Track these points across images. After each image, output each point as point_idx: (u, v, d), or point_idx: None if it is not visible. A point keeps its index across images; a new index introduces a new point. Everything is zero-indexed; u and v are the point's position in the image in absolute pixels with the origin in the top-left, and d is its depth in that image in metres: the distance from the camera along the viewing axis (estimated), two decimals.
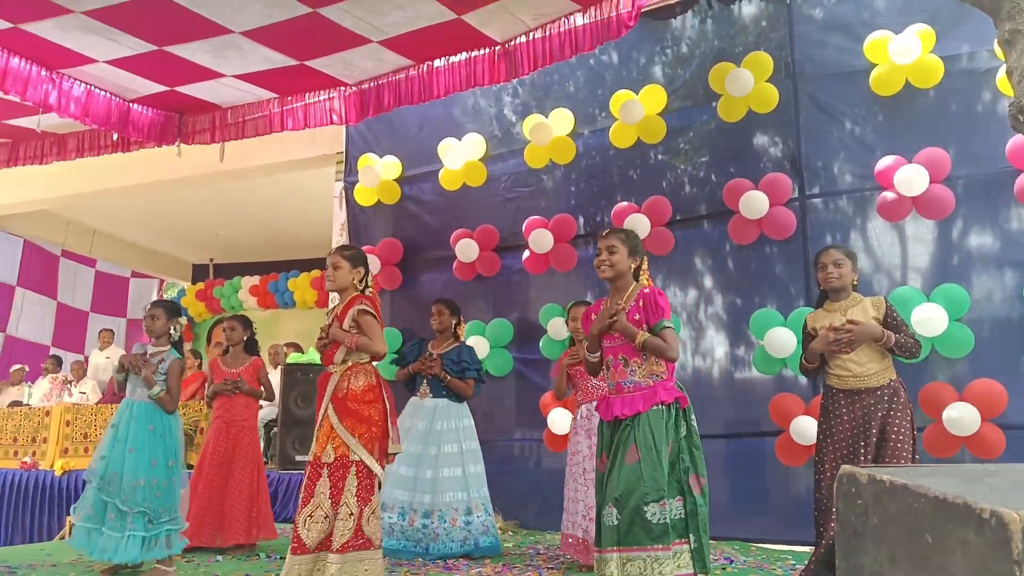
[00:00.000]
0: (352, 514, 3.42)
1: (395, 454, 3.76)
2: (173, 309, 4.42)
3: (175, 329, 4.34)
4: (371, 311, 3.67)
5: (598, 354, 3.16)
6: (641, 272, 3.22)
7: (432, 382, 4.84)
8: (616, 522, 2.77)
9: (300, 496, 3.55)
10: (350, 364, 3.63)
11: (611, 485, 2.85)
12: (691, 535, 2.82)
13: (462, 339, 5.03)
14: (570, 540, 4.27)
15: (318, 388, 3.77)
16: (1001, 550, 1.00)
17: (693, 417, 3.02)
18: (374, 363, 3.72)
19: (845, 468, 1.30)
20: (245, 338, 5.15)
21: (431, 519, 4.61)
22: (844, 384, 3.45)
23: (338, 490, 3.45)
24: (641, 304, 3.05)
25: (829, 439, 3.46)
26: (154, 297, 13.02)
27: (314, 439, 3.62)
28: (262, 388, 5.14)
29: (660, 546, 2.74)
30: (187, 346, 11.23)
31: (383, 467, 3.60)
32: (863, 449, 3.33)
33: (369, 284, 3.86)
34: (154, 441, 4.11)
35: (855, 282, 3.59)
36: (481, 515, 4.70)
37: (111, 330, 10.42)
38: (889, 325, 3.42)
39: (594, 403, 4.26)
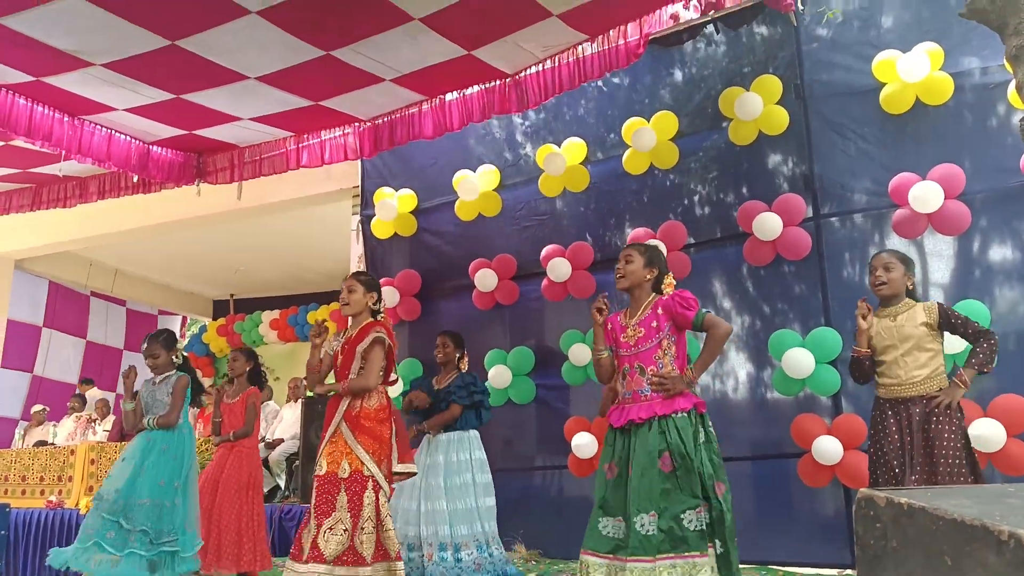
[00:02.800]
0: (375, 528, 3.60)
1: (410, 474, 3.92)
2: (169, 340, 4.53)
3: (176, 356, 4.46)
4: (383, 340, 3.80)
5: (605, 352, 3.23)
6: (665, 285, 3.21)
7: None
8: (654, 530, 2.75)
9: (312, 511, 3.65)
10: None
11: (646, 493, 2.81)
12: (716, 540, 2.81)
13: (463, 370, 4.98)
14: None
15: (327, 408, 3.88)
16: (1021, 571, 0.99)
17: (710, 423, 3.02)
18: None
19: (863, 492, 1.29)
20: (248, 369, 5.17)
21: (452, 551, 4.55)
22: (890, 393, 3.32)
23: (357, 505, 3.59)
24: (660, 311, 3.06)
25: (879, 456, 3.33)
26: (177, 334, 13.17)
27: (321, 455, 3.73)
28: (231, 434, 5.03)
29: (698, 553, 2.75)
30: (208, 381, 11.33)
31: (391, 485, 3.78)
32: (909, 463, 3.20)
33: (381, 310, 4.01)
34: (165, 462, 4.17)
35: (910, 287, 3.45)
36: (498, 549, 4.69)
37: (106, 400, 10.33)
38: (952, 327, 3.29)
39: None
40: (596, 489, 3.07)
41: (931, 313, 3.34)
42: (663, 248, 4.70)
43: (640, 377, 3.02)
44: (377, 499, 3.65)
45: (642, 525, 2.77)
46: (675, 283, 3.29)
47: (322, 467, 3.68)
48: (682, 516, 2.77)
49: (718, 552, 2.81)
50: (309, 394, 7.48)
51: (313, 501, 3.64)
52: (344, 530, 3.54)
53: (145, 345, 4.43)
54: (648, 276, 3.17)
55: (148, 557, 3.97)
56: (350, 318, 4.04)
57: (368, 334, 3.80)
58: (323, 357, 3.92)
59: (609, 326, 3.22)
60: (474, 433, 4.84)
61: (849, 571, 4.49)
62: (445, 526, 4.55)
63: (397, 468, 3.80)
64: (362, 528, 3.59)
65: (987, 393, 4.46)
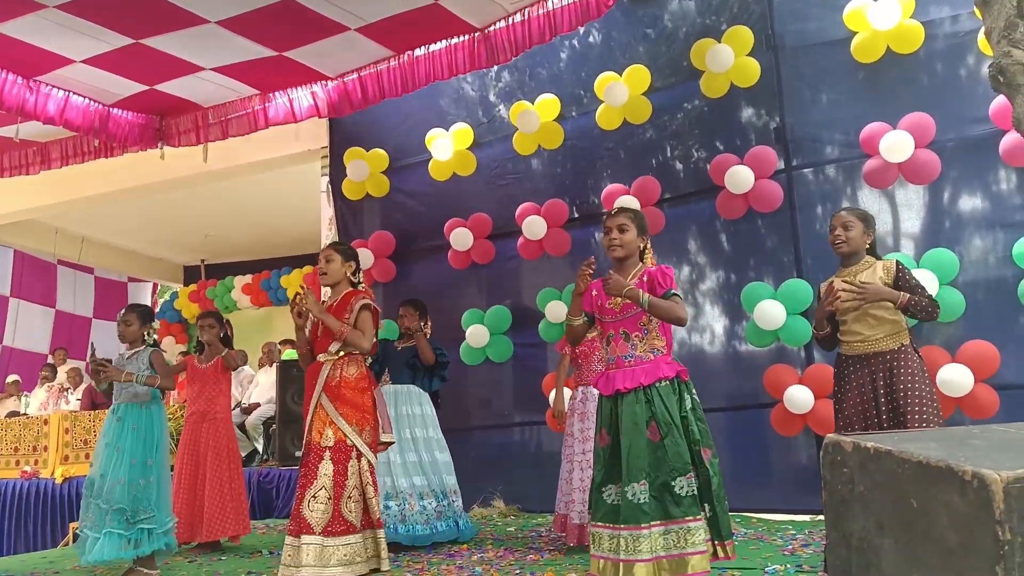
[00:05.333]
0: (361, 496, 3.64)
1: (388, 443, 3.90)
2: (146, 314, 4.46)
3: (148, 334, 4.39)
4: (371, 306, 3.79)
5: (579, 320, 3.22)
6: (648, 252, 3.21)
7: (393, 368, 4.86)
8: (646, 499, 2.78)
9: (299, 481, 3.66)
10: (343, 355, 3.76)
11: (635, 462, 2.83)
12: (706, 505, 2.85)
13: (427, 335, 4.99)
14: (562, 520, 4.32)
15: (306, 379, 3.88)
16: (984, 510, 1.00)
17: (694, 390, 3.03)
18: None
19: (830, 437, 1.30)
20: (222, 335, 5.11)
21: (427, 500, 4.63)
22: (853, 350, 3.33)
23: (342, 474, 3.61)
24: (646, 279, 3.05)
25: (840, 410, 3.36)
26: (148, 301, 13.00)
27: (309, 429, 3.72)
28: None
29: (691, 517, 2.78)
30: (181, 348, 11.24)
31: (375, 454, 3.78)
32: (876, 418, 3.22)
33: (361, 280, 3.99)
34: (136, 441, 4.13)
35: (869, 245, 3.44)
36: (457, 499, 4.77)
37: (77, 369, 10.14)
38: (901, 287, 3.27)
39: (590, 387, 4.28)
40: (594, 460, 3.10)
41: (888, 272, 3.34)
42: None
43: (625, 343, 3.02)
44: (360, 468, 3.66)
45: (633, 494, 2.80)
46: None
47: (313, 440, 3.68)
48: (672, 483, 2.79)
49: (707, 516, 2.85)
50: (284, 358, 7.44)
51: (300, 472, 3.66)
52: (328, 498, 3.56)
53: (123, 312, 4.38)
54: (640, 245, 3.16)
55: (127, 536, 3.97)
56: (328, 288, 4.01)
57: (350, 303, 3.77)
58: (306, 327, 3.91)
59: (594, 292, 3.19)
60: (420, 389, 4.87)
61: (821, 517, 4.57)
62: (416, 477, 4.63)
63: (383, 438, 3.81)
64: (348, 496, 3.60)
65: (955, 340, 4.53)
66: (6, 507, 6.94)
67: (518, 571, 3.84)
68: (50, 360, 10.58)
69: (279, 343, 8.74)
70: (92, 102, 5.91)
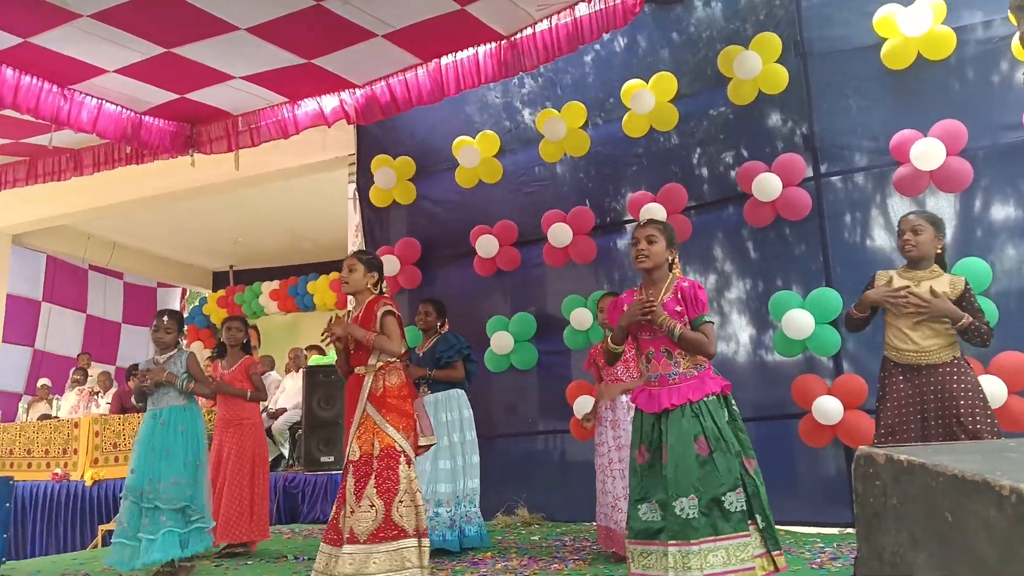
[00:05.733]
0: (402, 502, 3.57)
1: (428, 445, 3.89)
2: (183, 320, 4.52)
3: (182, 341, 4.48)
4: (394, 312, 3.80)
5: (622, 347, 3.17)
6: (675, 265, 3.18)
7: (426, 380, 4.88)
8: (696, 514, 2.74)
9: (344, 492, 3.63)
10: (381, 364, 3.76)
11: (684, 477, 2.79)
12: (757, 516, 2.82)
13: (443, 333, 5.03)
14: (604, 531, 4.27)
15: (346, 392, 3.86)
16: (1023, 525, 0.97)
17: (733, 402, 3.00)
18: None
19: (862, 449, 1.27)
20: (245, 340, 5.16)
21: (446, 507, 4.67)
22: (903, 358, 3.24)
23: (389, 480, 3.56)
24: (680, 296, 3.00)
25: (882, 417, 3.27)
26: (176, 306, 13.16)
27: (352, 440, 3.70)
28: (245, 389, 5.04)
29: (741, 533, 2.75)
30: (208, 352, 11.36)
31: (416, 457, 3.77)
32: (917, 431, 3.13)
33: (384, 289, 4.00)
34: (186, 441, 4.19)
35: (940, 251, 3.36)
36: (469, 506, 4.76)
37: (108, 373, 10.26)
38: (964, 308, 3.19)
39: (621, 395, 4.27)
40: (630, 476, 3.05)
41: (955, 288, 3.25)
42: None
43: (668, 361, 2.97)
44: (409, 473, 3.64)
45: (682, 509, 2.76)
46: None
47: (355, 452, 3.65)
48: (723, 498, 2.76)
49: (760, 527, 2.81)
50: (310, 364, 7.49)
51: (350, 486, 3.60)
52: (370, 505, 3.52)
53: (164, 319, 4.36)
54: (669, 257, 3.11)
55: (181, 535, 4.03)
56: (351, 297, 4.03)
57: (374, 310, 3.78)
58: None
59: (624, 307, 3.13)
60: (461, 392, 4.91)
61: (850, 530, 4.52)
62: (437, 484, 4.68)
63: (421, 441, 3.80)
64: (400, 501, 3.56)
65: (988, 350, 4.44)
66: (37, 509, 7.04)
67: None
68: (80, 364, 10.74)
69: (305, 349, 8.80)
70: (124, 110, 6.00)
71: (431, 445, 3.93)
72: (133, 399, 4.60)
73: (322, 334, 3.84)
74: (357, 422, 3.70)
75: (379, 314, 3.76)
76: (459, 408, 4.87)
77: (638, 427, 3.04)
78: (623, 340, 3.12)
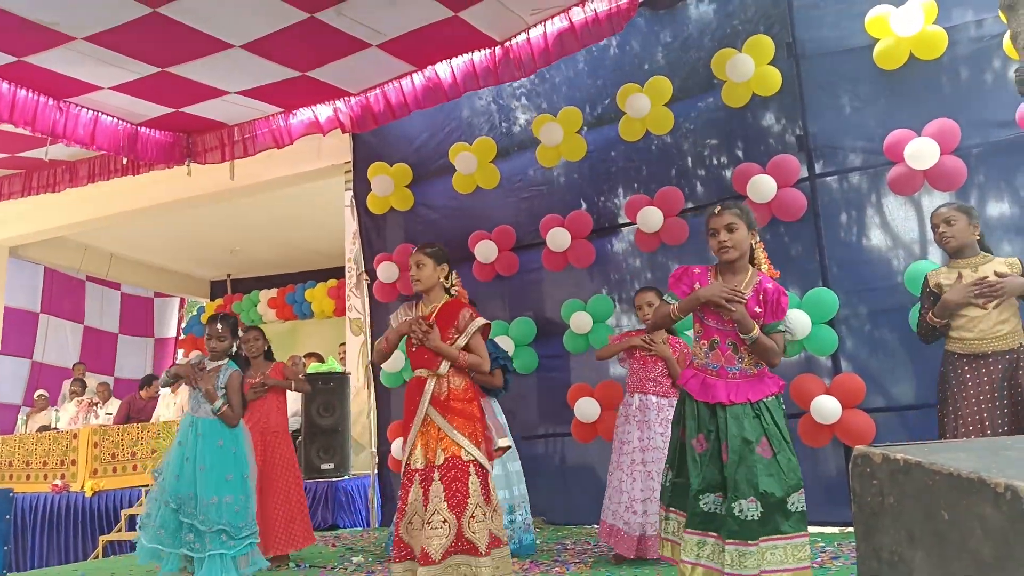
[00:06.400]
0: (486, 515, 3.35)
1: (505, 448, 3.69)
2: (236, 327, 4.32)
3: (235, 347, 4.32)
4: (486, 327, 3.61)
5: (683, 318, 3.02)
6: (757, 248, 3.02)
7: None
8: (759, 515, 2.71)
9: (405, 504, 3.45)
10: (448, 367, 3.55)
11: (745, 479, 2.74)
12: None
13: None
14: (610, 529, 4.23)
15: (407, 396, 3.64)
16: (1020, 523, 0.98)
17: (782, 402, 2.98)
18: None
19: (858, 448, 1.28)
20: (267, 348, 5.16)
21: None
22: (968, 348, 3.21)
23: (459, 492, 3.32)
24: (762, 298, 2.90)
25: (954, 414, 3.21)
26: (175, 316, 13.15)
27: (413, 445, 3.48)
28: (289, 380, 5.05)
29: (800, 533, 2.73)
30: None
31: (492, 462, 3.54)
32: (999, 420, 3.08)
33: (455, 283, 3.76)
34: (225, 456, 4.04)
35: (978, 236, 3.35)
36: (523, 513, 4.72)
37: (106, 384, 10.15)
38: None
39: (652, 396, 4.25)
40: (689, 465, 2.89)
41: (1014, 268, 3.26)
42: None
43: (733, 355, 2.89)
44: (482, 483, 3.40)
45: (741, 511, 2.72)
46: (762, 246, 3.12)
47: (418, 460, 3.44)
48: (787, 500, 2.73)
49: None
50: (309, 371, 7.49)
51: (417, 496, 3.40)
52: (443, 521, 3.28)
53: (218, 325, 4.21)
54: (752, 242, 2.96)
55: (232, 555, 3.89)
56: (423, 294, 3.73)
57: (459, 317, 3.56)
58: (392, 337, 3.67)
59: (696, 284, 2.97)
60: (493, 400, 4.81)
61: (850, 529, 4.52)
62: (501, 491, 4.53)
63: (500, 443, 3.59)
64: (472, 516, 3.31)
65: None
66: (37, 520, 7.03)
67: None
68: (76, 375, 10.74)
69: (304, 356, 8.80)
70: (120, 122, 6.02)
71: (508, 447, 3.75)
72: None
73: (413, 326, 3.54)
74: (417, 427, 3.47)
75: (471, 330, 3.53)
76: (492, 415, 4.78)
77: (694, 414, 2.92)
78: (689, 311, 2.96)
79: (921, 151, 4.58)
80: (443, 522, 3.26)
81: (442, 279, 3.65)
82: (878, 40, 4.87)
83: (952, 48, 4.77)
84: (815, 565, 3.81)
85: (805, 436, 4.84)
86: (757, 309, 2.88)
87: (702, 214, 5.57)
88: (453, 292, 3.72)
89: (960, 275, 3.27)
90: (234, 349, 4.30)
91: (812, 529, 4.69)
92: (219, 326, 4.22)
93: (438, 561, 3.21)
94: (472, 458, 3.38)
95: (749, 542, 2.69)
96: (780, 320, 2.88)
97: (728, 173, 5.38)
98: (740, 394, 2.84)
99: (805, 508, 2.76)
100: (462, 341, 3.53)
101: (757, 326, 2.83)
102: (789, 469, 2.76)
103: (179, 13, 4.52)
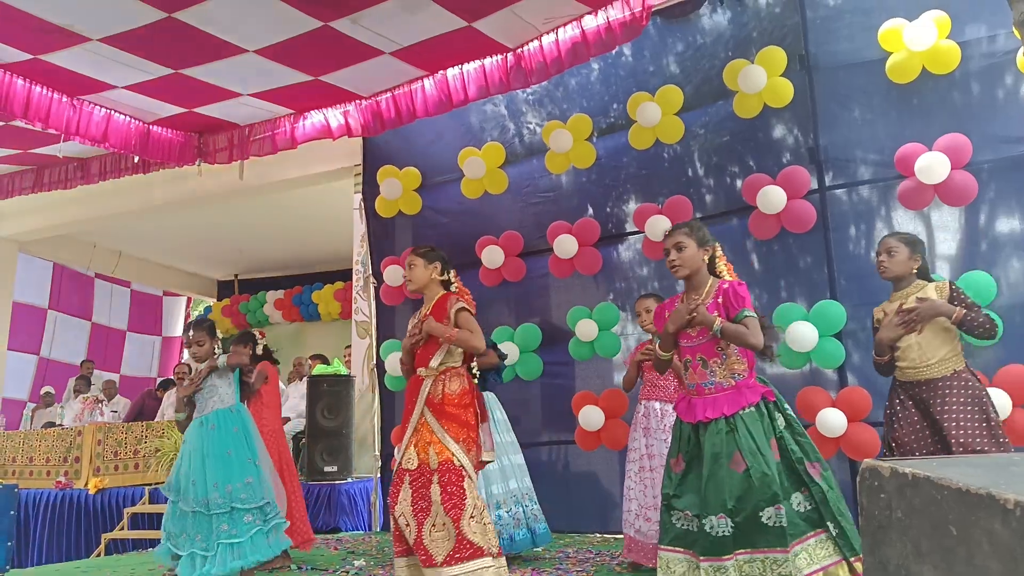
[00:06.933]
0: (483, 520, 3.39)
1: (488, 462, 3.72)
2: (212, 329, 4.41)
3: (218, 347, 4.39)
4: (468, 308, 3.64)
5: (671, 353, 3.10)
6: (719, 260, 3.09)
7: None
8: (730, 531, 2.69)
9: (396, 501, 3.48)
10: (444, 368, 3.59)
11: (715, 494, 2.74)
12: (828, 523, 2.75)
13: None
14: (629, 541, 4.21)
15: (406, 394, 3.70)
16: None
17: (787, 406, 2.95)
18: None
19: (867, 462, 1.28)
20: (250, 353, 5.12)
21: (504, 508, 4.57)
22: (905, 376, 3.27)
23: (458, 495, 3.36)
24: (720, 300, 2.94)
25: (892, 434, 3.29)
26: (182, 315, 13.19)
27: (407, 445, 3.53)
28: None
29: (778, 548, 2.66)
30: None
31: (477, 473, 3.58)
32: (926, 451, 3.16)
33: (452, 279, 3.81)
34: (243, 441, 4.14)
35: (916, 269, 3.39)
36: (530, 504, 4.71)
37: (112, 381, 10.25)
38: (956, 305, 3.22)
39: (655, 402, 4.26)
40: (664, 484, 2.98)
41: (943, 291, 3.29)
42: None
43: (703, 370, 2.92)
44: (474, 487, 3.45)
45: (711, 527, 2.72)
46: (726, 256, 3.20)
47: (411, 460, 3.47)
48: (760, 514, 2.68)
49: (834, 533, 2.74)
50: (314, 373, 7.50)
51: (407, 496, 3.43)
52: (442, 524, 3.32)
53: (191, 333, 4.31)
54: (705, 256, 3.03)
55: (266, 531, 3.99)
56: (421, 294, 3.83)
57: (446, 306, 3.63)
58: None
59: (667, 314, 3.08)
60: (492, 395, 4.86)
61: None
62: (494, 485, 4.58)
63: (483, 457, 3.61)
64: (471, 517, 3.35)
65: (993, 363, 4.45)
66: (40, 516, 7.04)
67: None
68: (83, 373, 10.77)
69: (309, 358, 8.81)
70: (133, 120, 6.05)
71: (490, 462, 3.78)
72: (176, 412, 4.47)
73: (411, 338, 3.64)
74: (413, 427, 3.53)
75: (452, 312, 3.59)
76: (492, 410, 4.75)
77: (677, 436, 2.99)
78: (672, 347, 3.04)
79: (932, 165, 4.57)
80: (443, 525, 3.31)
81: (435, 276, 3.72)
82: (891, 54, 4.87)
83: (965, 63, 4.76)
84: None
85: None
86: (715, 314, 2.92)
87: (711, 224, 5.56)
88: (453, 288, 3.77)
89: (900, 305, 3.31)
90: (216, 350, 4.35)
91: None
92: (192, 334, 4.32)
93: (440, 564, 3.25)
94: (461, 465, 3.42)
95: (723, 557, 2.67)
96: (743, 308, 2.91)
97: (738, 183, 5.38)
98: (716, 409, 2.86)
99: (784, 524, 2.68)
100: (451, 324, 3.59)
101: (718, 318, 2.88)
102: (762, 484, 2.70)
103: (194, 18, 4.55)
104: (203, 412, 4.20)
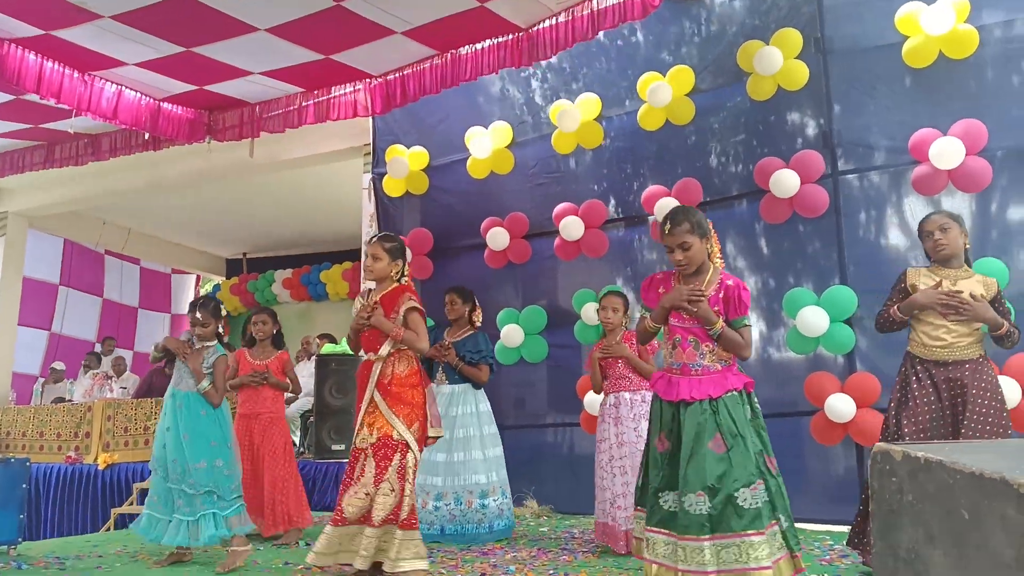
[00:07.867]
0: (393, 490, 3.61)
1: (436, 438, 3.89)
2: (217, 310, 4.44)
3: (221, 328, 4.44)
4: (419, 308, 3.80)
5: (660, 328, 3.11)
6: (713, 252, 3.08)
7: (447, 369, 4.89)
8: (707, 510, 2.71)
9: (345, 478, 3.72)
10: (392, 352, 3.77)
11: (695, 473, 2.75)
12: (780, 515, 2.77)
13: (478, 326, 5.01)
14: (602, 527, 4.28)
15: (358, 379, 3.89)
16: None
17: (756, 399, 2.97)
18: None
19: (879, 446, 1.28)
20: (275, 332, 5.17)
21: (444, 501, 4.70)
22: (929, 354, 3.26)
23: (382, 468, 3.61)
24: (723, 296, 2.94)
25: (905, 411, 3.28)
26: (191, 293, 13.23)
27: (360, 426, 3.74)
28: (288, 381, 5.12)
29: (753, 531, 2.69)
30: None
31: (421, 450, 3.76)
32: (942, 430, 3.17)
33: (406, 274, 3.97)
34: (209, 424, 4.19)
35: (967, 246, 3.39)
36: (497, 498, 4.77)
37: (122, 357, 10.28)
38: (996, 310, 3.25)
39: (625, 392, 4.29)
40: (650, 465, 2.99)
41: (990, 289, 3.30)
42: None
43: (694, 351, 2.93)
44: (404, 463, 3.65)
45: (691, 504, 2.73)
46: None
47: (365, 439, 3.70)
48: (736, 495, 2.71)
49: (784, 527, 2.77)
50: (322, 352, 7.52)
51: (371, 469, 3.65)
52: (366, 494, 3.61)
53: (198, 313, 4.34)
54: (708, 249, 3.02)
55: (224, 515, 4.06)
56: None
57: (399, 301, 3.79)
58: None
59: (660, 289, 3.08)
60: (480, 391, 4.92)
61: None
62: (440, 477, 4.72)
63: (430, 432, 3.80)
64: (380, 491, 3.61)
65: (1002, 352, 4.41)
66: (51, 491, 7.11)
67: (551, 571, 3.84)
68: (97, 349, 10.82)
69: (317, 337, 8.83)
70: (144, 97, 6.04)
71: (438, 437, 3.93)
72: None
73: (364, 310, 3.81)
74: (364, 409, 3.75)
75: (403, 310, 3.77)
76: (475, 403, 4.85)
77: (657, 415, 3.00)
78: (664, 321, 3.04)
79: (946, 151, 4.53)
80: (365, 494, 3.59)
81: (393, 273, 3.88)
82: (908, 38, 4.81)
83: (982, 48, 4.71)
84: (823, 563, 3.81)
85: (817, 434, 4.82)
86: (716, 308, 2.93)
87: (721, 207, 5.54)
88: (404, 280, 3.94)
89: (940, 283, 3.28)
90: (220, 329, 4.41)
91: (821, 527, 4.70)
92: (198, 314, 4.35)
93: (377, 525, 3.55)
94: (401, 439, 3.65)
95: (701, 537, 2.69)
96: (743, 316, 2.94)
97: (750, 167, 5.34)
98: (702, 390, 2.87)
99: (760, 506, 2.72)
100: (399, 321, 3.76)
101: (720, 320, 2.89)
102: (740, 464, 2.74)
103: None
104: (177, 386, 4.27)
